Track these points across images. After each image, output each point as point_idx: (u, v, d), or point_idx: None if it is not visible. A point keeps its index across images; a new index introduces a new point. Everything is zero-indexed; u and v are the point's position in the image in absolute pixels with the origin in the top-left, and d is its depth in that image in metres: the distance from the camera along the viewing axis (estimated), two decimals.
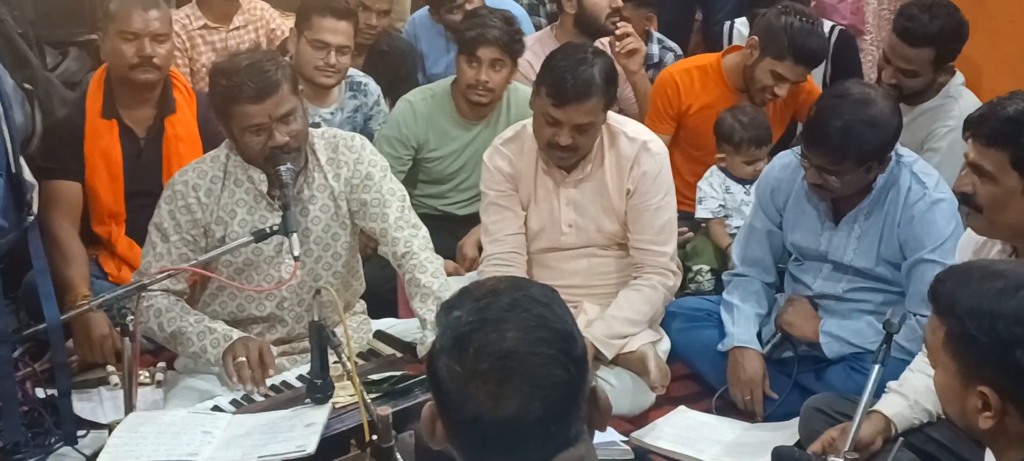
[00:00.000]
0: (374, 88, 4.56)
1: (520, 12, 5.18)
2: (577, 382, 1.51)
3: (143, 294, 3.08)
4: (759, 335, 3.51)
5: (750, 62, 4.22)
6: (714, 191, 4.23)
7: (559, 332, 1.51)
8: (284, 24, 4.97)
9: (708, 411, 3.43)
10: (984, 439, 1.89)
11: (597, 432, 3.29)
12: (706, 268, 4.15)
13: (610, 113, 3.51)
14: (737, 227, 4.08)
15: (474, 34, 4.13)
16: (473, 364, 1.46)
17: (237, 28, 4.86)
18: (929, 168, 3.31)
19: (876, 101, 3.13)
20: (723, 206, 4.23)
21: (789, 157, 3.46)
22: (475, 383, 1.46)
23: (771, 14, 4.20)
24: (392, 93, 4.70)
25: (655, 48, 5.07)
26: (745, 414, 3.41)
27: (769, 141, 4.13)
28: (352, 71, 4.54)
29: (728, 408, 3.43)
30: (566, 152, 3.40)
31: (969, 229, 2.80)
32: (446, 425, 1.52)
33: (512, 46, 4.18)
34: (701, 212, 4.24)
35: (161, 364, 3.45)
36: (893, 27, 4.14)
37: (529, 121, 3.55)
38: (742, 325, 3.46)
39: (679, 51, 5.16)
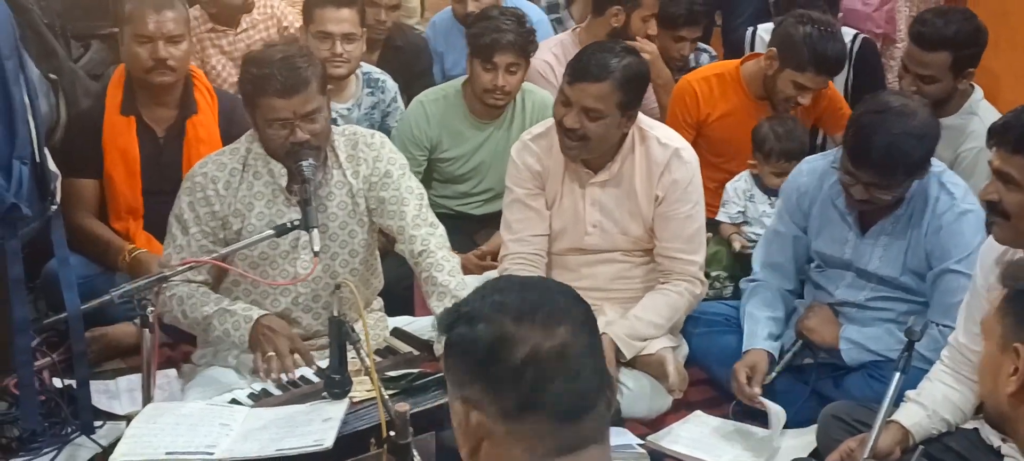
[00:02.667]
0: (391, 85, 4.56)
1: (539, 15, 5.17)
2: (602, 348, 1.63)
3: (164, 284, 3.11)
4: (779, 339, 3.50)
5: (770, 73, 4.21)
6: (737, 197, 4.23)
7: (556, 281, 1.65)
8: (298, 21, 4.96)
9: (725, 417, 3.42)
10: (1010, 420, 1.87)
11: (613, 435, 3.30)
12: (725, 274, 4.15)
13: (643, 116, 3.49)
14: (755, 234, 4.08)
15: (488, 40, 4.11)
16: (518, 311, 1.54)
17: (246, 30, 4.85)
18: (957, 178, 3.28)
19: (917, 111, 3.11)
20: (742, 213, 4.22)
21: (817, 162, 3.44)
22: (522, 321, 1.52)
23: (788, 24, 4.18)
24: (407, 90, 4.71)
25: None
26: (761, 420, 3.40)
27: (802, 155, 4.04)
28: (369, 67, 4.55)
29: (745, 415, 3.41)
30: (572, 138, 3.36)
31: (990, 239, 2.79)
32: (492, 387, 1.52)
33: (526, 48, 4.17)
34: (721, 215, 4.24)
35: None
36: (909, 33, 4.14)
37: None
38: (759, 330, 3.44)
39: (713, 52, 5.15)
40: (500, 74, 4.12)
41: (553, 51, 4.71)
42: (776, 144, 4.12)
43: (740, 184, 4.25)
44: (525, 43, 4.16)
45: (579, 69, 3.32)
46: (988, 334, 1.91)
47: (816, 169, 3.42)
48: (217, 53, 4.78)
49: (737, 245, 4.12)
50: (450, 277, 3.14)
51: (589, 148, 3.40)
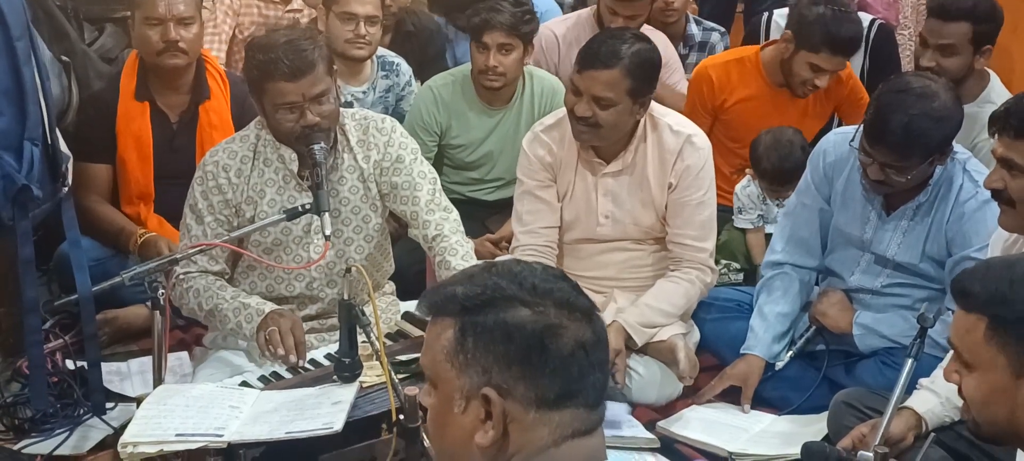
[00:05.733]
0: (406, 69, 4.56)
1: (548, 5, 5.14)
2: None
3: (182, 276, 3.13)
4: (793, 331, 3.48)
5: (786, 56, 4.19)
6: (752, 202, 4.22)
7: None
8: None
9: (736, 403, 3.40)
10: None
11: (623, 421, 3.29)
12: (736, 265, 4.14)
13: (655, 104, 3.47)
14: None
15: (479, 19, 4.08)
16: (558, 299, 1.54)
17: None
18: (981, 167, 3.23)
19: (938, 94, 3.06)
20: (762, 216, 4.21)
21: (847, 134, 3.34)
22: (566, 313, 1.53)
23: (802, 5, 4.15)
24: (420, 74, 4.70)
25: (695, 29, 5.05)
26: (772, 406, 3.39)
27: (799, 174, 3.84)
28: (384, 51, 4.54)
29: (756, 400, 3.39)
30: (583, 125, 3.33)
31: (999, 228, 2.78)
32: (534, 375, 1.51)
33: (520, 28, 4.10)
34: (741, 222, 4.24)
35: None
36: (928, 8, 4.11)
37: None
38: (761, 333, 3.42)
39: (722, 30, 5.13)
40: (492, 54, 4.08)
41: (566, 24, 4.67)
42: (769, 166, 4.10)
43: (751, 189, 4.23)
44: (519, 22, 4.10)
45: (589, 57, 3.30)
46: (982, 365, 1.87)
47: (845, 141, 3.34)
48: (263, 24, 4.74)
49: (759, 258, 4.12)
50: (464, 261, 3.13)
51: (601, 135, 3.38)
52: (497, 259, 3.79)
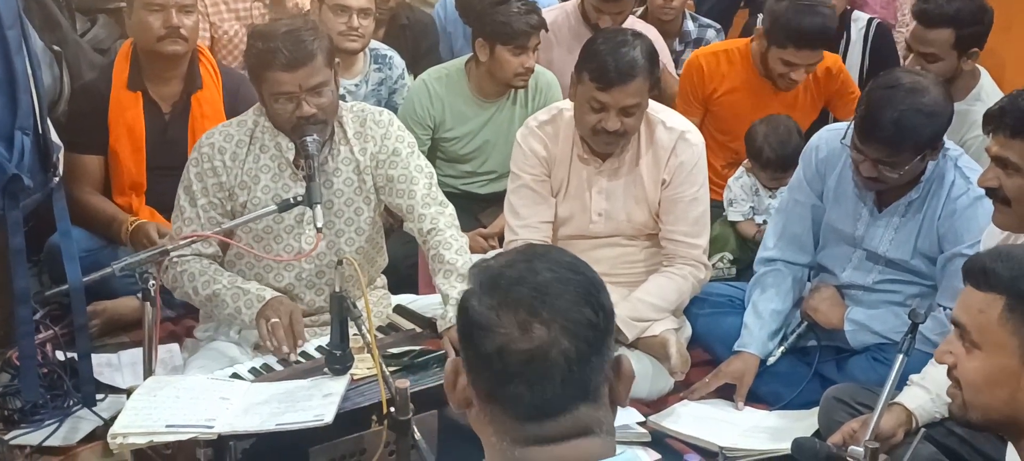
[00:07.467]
0: (399, 61, 4.56)
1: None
2: (603, 330, 1.51)
3: (175, 259, 3.12)
4: (784, 327, 3.48)
5: (762, 52, 4.20)
6: (744, 194, 4.23)
7: (588, 278, 1.54)
8: None
9: (727, 398, 3.40)
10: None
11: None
12: (729, 256, 4.14)
13: (650, 102, 3.48)
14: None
15: (522, 26, 4.06)
16: (504, 294, 1.48)
17: None
18: (973, 163, 3.24)
19: (929, 89, 3.06)
20: (753, 208, 4.21)
21: (838, 131, 3.35)
22: (505, 311, 1.47)
23: (771, 1, 4.15)
24: (413, 68, 4.70)
25: (691, 25, 5.06)
26: (762, 401, 3.40)
27: (796, 165, 4.00)
28: (377, 44, 4.54)
29: (747, 396, 3.38)
30: (613, 137, 3.35)
31: (991, 225, 2.78)
32: (470, 365, 1.51)
33: (541, 25, 4.17)
34: (733, 215, 4.25)
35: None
36: (912, 11, 4.10)
37: (564, 104, 3.52)
38: (756, 330, 3.41)
39: (717, 26, 5.14)
40: (531, 55, 4.12)
41: (549, 16, 4.68)
42: (770, 154, 4.11)
43: (744, 181, 4.24)
44: (541, 21, 4.16)
45: (607, 75, 3.26)
46: (992, 346, 1.86)
47: (837, 137, 3.34)
48: (231, 18, 4.75)
49: (751, 232, 4.12)
50: (458, 256, 3.13)
51: (628, 138, 3.41)
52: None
